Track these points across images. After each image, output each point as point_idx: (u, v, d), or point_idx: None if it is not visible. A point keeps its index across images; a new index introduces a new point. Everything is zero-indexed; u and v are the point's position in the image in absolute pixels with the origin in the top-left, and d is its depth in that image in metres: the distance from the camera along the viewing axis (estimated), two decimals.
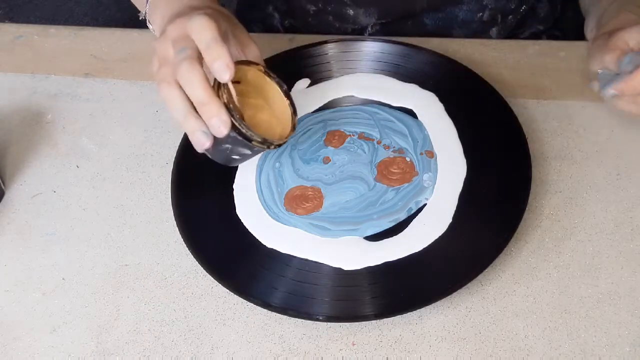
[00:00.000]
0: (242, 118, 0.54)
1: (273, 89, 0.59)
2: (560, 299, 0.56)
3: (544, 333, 0.55)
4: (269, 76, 0.59)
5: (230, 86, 0.53)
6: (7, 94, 0.80)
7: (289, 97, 0.59)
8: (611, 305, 0.56)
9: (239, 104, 0.54)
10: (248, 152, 0.56)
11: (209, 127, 0.53)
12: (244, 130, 0.53)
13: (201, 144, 0.54)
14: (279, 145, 0.56)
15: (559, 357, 0.53)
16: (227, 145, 0.55)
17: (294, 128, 0.58)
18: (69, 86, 0.80)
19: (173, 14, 0.59)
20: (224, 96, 0.53)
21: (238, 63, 0.55)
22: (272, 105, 0.60)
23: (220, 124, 0.52)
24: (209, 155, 0.58)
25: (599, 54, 0.62)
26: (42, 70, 0.82)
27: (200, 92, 0.51)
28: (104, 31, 0.86)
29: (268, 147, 0.55)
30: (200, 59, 0.52)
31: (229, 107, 0.52)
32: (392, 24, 0.83)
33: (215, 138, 0.54)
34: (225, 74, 0.51)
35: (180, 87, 0.52)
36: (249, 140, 0.54)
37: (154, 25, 0.65)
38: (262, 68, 0.58)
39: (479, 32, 0.84)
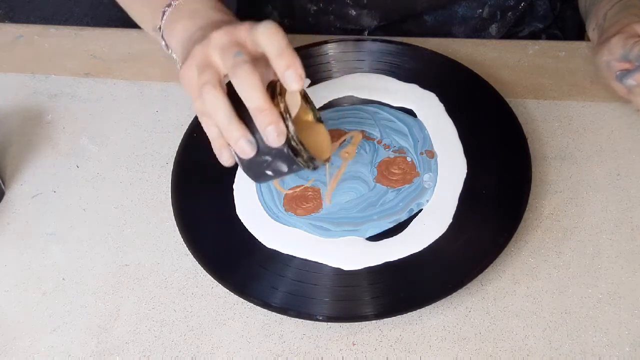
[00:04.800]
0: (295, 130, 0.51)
1: (307, 114, 0.57)
2: (560, 299, 0.56)
3: (544, 333, 0.55)
4: (307, 101, 0.57)
5: (288, 98, 0.51)
6: (7, 94, 0.80)
7: (322, 123, 0.57)
8: (611, 305, 0.56)
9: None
10: (285, 169, 0.52)
11: (263, 134, 0.49)
12: (294, 144, 0.50)
13: (245, 152, 0.51)
14: (315, 168, 0.53)
15: (559, 357, 0.53)
16: (267, 158, 0.52)
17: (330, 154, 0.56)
18: (69, 86, 0.80)
19: (202, 25, 0.57)
20: (281, 105, 0.50)
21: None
22: (306, 130, 0.57)
23: (278, 133, 0.49)
24: (241, 167, 0.54)
25: (607, 44, 0.63)
26: (42, 70, 0.82)
27: (261, 97, 0.49)
28: (104, 31, 0.86)
29: (308, 167, 0.52)
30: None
31: (284, 118, 0.50)
32: (392, 24, 0.83)
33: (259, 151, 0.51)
34: (296, 84, 0.48)
35: (225, 92, 0.50)
36: (296, 155, 0.51)
37: (171, 39, 0.62)
38: (302, 91, 0.55)
39: (479, 29, 0.84)
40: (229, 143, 0.51)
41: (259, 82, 0.49)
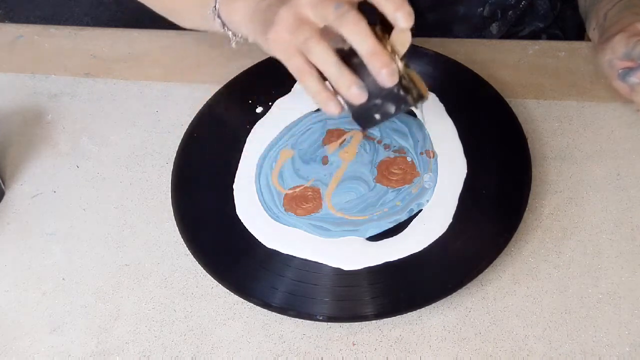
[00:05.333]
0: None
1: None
2: (560, 299, 0.56)
3: (544, 333, 0.55)
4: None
5: (394, 39, 0.52)
6: (7, 94, 0.80)
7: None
8: (611, 305, 0.56)
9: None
10: (393, 109, 0.53)
11: (377, 76, 0.51)
12: (404, 82, 0.52)
13: (358, 98, 0.52)
14: (422, 103, 0.54)
15: (559, 357, 0.53)
16: (377, 102, 0.53)
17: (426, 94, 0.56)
18: (69, 86, 0.80)
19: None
20: (388, 47, 0.52)
21: None
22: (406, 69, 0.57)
23: (392, 73, 0.50)
24: (349, 113, 0.55)
25: (609, 43, 0.63)
26: (42, 70, 0.82)
27: (372, 41, 0.50)
28: (104, 31, 0.86)
29: (416, 104, 0.53)
30: None
31: (394, 59, 0.51)
32: None
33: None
34: (406, 22, 0.50)
35: (329, 44, 0.52)
36: (407, 92, 0.52)
37: (232, 16, 0.62)
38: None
39: (480, 27, 0.84)
40: (340, 92, 0.53)
41: (367, 28, 0.50)
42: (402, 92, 0.52)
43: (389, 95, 0.53)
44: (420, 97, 0.54)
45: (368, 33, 0.50)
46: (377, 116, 0.54)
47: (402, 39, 0.53)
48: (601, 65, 0.65)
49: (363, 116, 0.55)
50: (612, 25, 0.66)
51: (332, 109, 0.54)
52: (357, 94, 0.52)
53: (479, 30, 0.84)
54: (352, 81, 0.52)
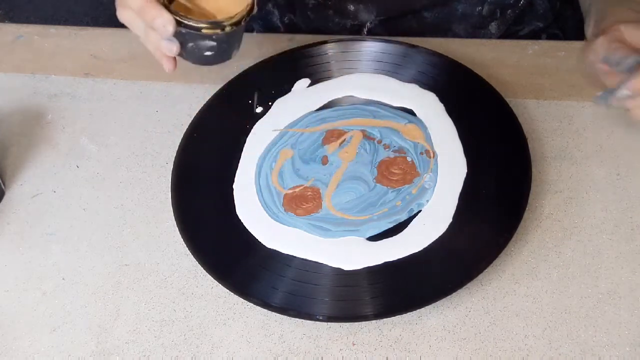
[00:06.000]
0: (186, 15, 0.56)
1: None
2: (560, 299, 0.56)
3: (544, 333, 0.55)
4: None
5: None
6: (7, 94, 0.80)
7: None
8: (611, 305, 0.56)
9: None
10: (211, 42, 0.57)
11: (156, 30, 0.55)
12: (186, 22, 0.55)
13: (170, 50, 0.57)
14: (236, 24, 0.56)
15: (559, 357, 0.53)
16: (191, 44, 0.57)
17: (252, 7, 0.58)
18: (69, 86, 0.80)
19: None
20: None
21: None
22: None
23: (165, 23, 0.54)
24: (190, 62, 0.60)
25: (592, 44, 0.61)
26: (42, 70, 0.82)
27: (138, 0, 0.54)
28: (104, 31, 0.86)
29: (222, 29, 0.56)
30: None
31: (168, 8, 0.55)
32: (391, 19, 0.83)
33: (180, 43, 0.57)
34: None
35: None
36: (198, 29, 0.55)
37: None
38: None
39: (478, 27, 0.84)
40: (160, 50, 0.58)
41: None
42: (194, 31, 0.55)
43: (190, 36, 0.56)
44: (218, 25, 0.56)
45: None
46: (208, 53, 0.59)
47: None
48: (585, 64, 0.64)
49: (195, 59, 0.60)
50: (607, 17, 0.65)
51: (165, 66, 0.60)
52: (167, 47, 0.57)
53: (477, 29, 0.84)
54: (158, 37, 0.57)
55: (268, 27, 0.91)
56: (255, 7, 0.58)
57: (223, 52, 0.59)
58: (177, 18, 0.55)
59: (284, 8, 0.89)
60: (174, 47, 0.57)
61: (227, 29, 0.56)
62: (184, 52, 0.58)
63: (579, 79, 0.71)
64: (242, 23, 0.57)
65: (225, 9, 0.59)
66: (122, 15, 0.58)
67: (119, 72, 0.81)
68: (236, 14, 0.56)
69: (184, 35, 0.56)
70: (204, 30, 0.55)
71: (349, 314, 0.57)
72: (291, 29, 0.88)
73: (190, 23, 0.55)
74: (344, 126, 0.69)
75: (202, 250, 0.61)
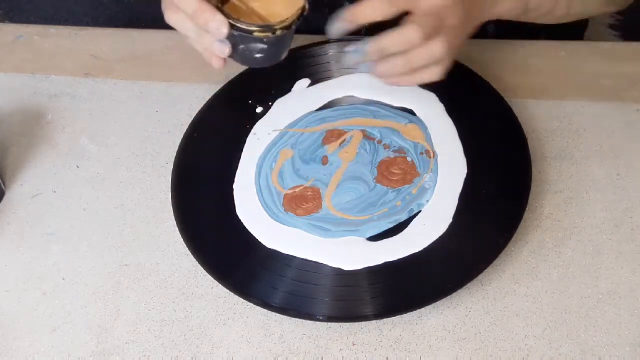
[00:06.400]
0: (238, 18, 0.56)
1: None
2: (560, 299, 0.56)
3: (544, 333, 0.55)
4: None
5: None
6: (7, 94, 0.80)
7: None
8: (611, 305, 0.56)
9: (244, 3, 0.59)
10: (261, 45, 0.58)
11: (210, 32, 0.56)
12: (239, 25, 0.55)
13: (222, 52, 0.57)
14: (287, 28, 0.56)
15: (559, 357, 0.53)
16: (242, 47, 0.58)
17: (303, 10, 0.58)
18: (69, 86, 0.80)
19: None
20: (213, 1, 0.56)
21: None
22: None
23: (219, 25, 0.55)
24: (239, 63, 0.61)
25: None
26: (42, 70, 0.82)
27: (191, 3, 0.55)
28: (104, 31, 0.86)
29: (273, 33, 0.56)
30: None
31: (222, 10, 0.56)
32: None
33: (232, 44, 0.57)
34: None
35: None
36: (249, 32, 0.56)
37: None
38: None
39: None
40: (213, 52, 0.58)
41: None
42: (246, 34, 0.56)
43: (242, 39, 0.57)
44: (269, 29, 0.56)
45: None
46: (258, 55, 0.59)
47: None
48: None
49: (245, 61, 0.61)
50: None
51: (215, 65, 0.60)
52: (219, 49, 0.57)
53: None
54: (212, 38, 0.57)
55: None
56: (307, 9, 0.58)
57: (273, 55, 0.60)
58: (230, 21, 0.55)
59: None
60: (226, 49, 0.57)
61: (278, 32, 0.56)
62: (235, 54, 0.59)
63: (579, 79, 0.72)
64: (293, 26, 0.57)
65: (277, 12, 0.59)
66: (171, 17, 0.59)
67: (119, 72, 0.81)
68: (287, 18, 0.57)
69: (236, 38, 0.56)
70: (255, 34, 0.56)
71: (349, 314, 0.57)
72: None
73: (243, 26, 0.55)
74: (344, 126, 0.69)
75: (202, 250, 0.61)
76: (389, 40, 0.56)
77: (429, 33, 0.56)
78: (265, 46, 0.58)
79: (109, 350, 0.58)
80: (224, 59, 0.60)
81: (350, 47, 0.59)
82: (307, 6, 0.58)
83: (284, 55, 0.61)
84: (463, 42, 0.61)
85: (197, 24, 0.56)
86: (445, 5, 0.56)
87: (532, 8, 0.67)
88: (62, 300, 0.62)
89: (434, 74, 0.59)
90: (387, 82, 0.61)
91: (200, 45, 0.59)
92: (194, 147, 0.69)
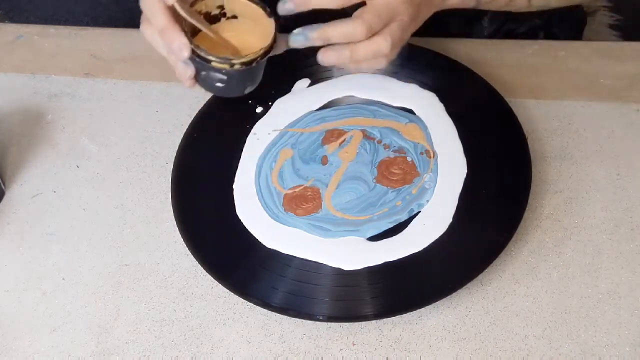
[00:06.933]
0: (208, 48, 0.56)
1: (257, 11, 0.59)
2: (560, 299, 0.56)
3: (544, 333, 0.55)
4: (253, 3, 0.60)
5: (185, 15, 0.56)
6: (7, 94, 0.80)
7: (271, 15, 0.59)
8: (611, 305, 0.56)
9: (216, 30, 0.59)
10: (220, 75, 0.58)
11: (173, 52, 0.55)
12: (198, 51, 0.55)
13: (185, 74, 0.57)
14: (246, 64, 0.56)
15: (559, 357, 0.53)
16: (204, 73, 0.58)
17: (268, 49, 0.57)
18: (69, 86, 0.80)
19: None
20: (185, 25, 0.56)
21: None
22: (260, 28, 0.60)
23: (181, 47, 0.55)
24: (205, 90, 0.60)
25: None
26: (42, 70, 0.82)
27: (160, 19, 0.55)
28: (104, 31, 0.86)
29: (232, 66, 0.56)
30: None
31: (191, 35, 0.56)
32: None
33: (196, 69, 0.57)
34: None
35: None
36: (208, 61, 0.56)
37: None
38: None
39: (472, 19, 0.83)
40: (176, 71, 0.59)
41: (158, 7, 0.55)
42: (205, 62, 0.56)
43: (203, 66, 0.57)
44: (226, 60, 0.56)
45: (159, 11, 0.55)
46: (219, 84, 0.59)
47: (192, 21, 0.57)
48: None
49: (206, 87, 0.60)
50: None
51: (184, 83, 0.59)
52: (183, 70, 0.57)
53: (471, 22, 0.83)
54: (174, 62, 0.58)
55: None
56: (276, 48, 0.58)
57: (234, 87, 0.60)
58: (192, 46, 0.55)
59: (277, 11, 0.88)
60: (188, 72, 0.57)
61: (237, 66, 0.56)
62: (199, 79, 0.59)
63: (579, 79, 0.72)
64: (254, 64, 0.57)
65: (250, 46, 0.59)
66: (145, 32, 0.59)
67: (119, 72, 0.81)
68: (247, 55, 0.57)
69: (198, 63, 0.57)
70: (213, 64, 0.56)
71: (349, 314, 0.57)
72: (286, 29, 0.88)
73: (202, 53, 0.56)
74: (344, 126, 0.69)
75: (202, 250, 0.61)
76: (333, 30, 0.57)
77: (375, 29, 0.57)
78: (224, 77, 0.58)
79: (109, 350, 0.58)
80: (193, 79, 0.60)
81: (297, 30, 0.59)
82: (273, 45, 0.58)
83: (248, 90, 0.60)
84: (409, 36, 0.61)
85: (164, 42, 0.57)
86: (400, 1, 0.57)
87: (487, 1, 0.67)
88: (62, 300, 0.62)
89: (377, 65, 0.60)
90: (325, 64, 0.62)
91: (171, 62, 0.60)
92: (194, 147, 0.70)
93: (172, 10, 0.55)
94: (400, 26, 0.58)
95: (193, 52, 0.55)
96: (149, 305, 0.60)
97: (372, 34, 0.57)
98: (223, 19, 0.60)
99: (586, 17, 0.90)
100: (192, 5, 0.58)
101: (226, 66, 0.56)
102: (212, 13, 0.60)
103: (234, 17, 0.60)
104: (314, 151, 0.68)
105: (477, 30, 0.84)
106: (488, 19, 0.83)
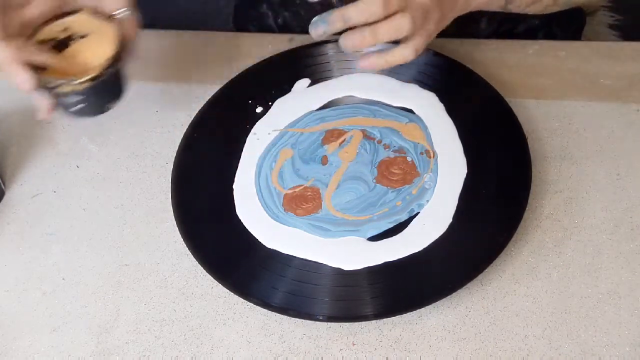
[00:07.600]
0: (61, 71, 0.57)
1: (101, 25, 0.60)
2: (560, 299, 0.56)
3: (544, 333, 0.55)
4: (96, 17, 0.60)
5: (26, 57, 0.56)
6: (7, 94, 0.80)
7: (113, 22, 0.60)
8: (611, 305, 0.56)
9: (71, 54, 0.59)
10: (76, 97, 0.58)
11: (17, 87, 0.56)
12: (43, 82, 0.56)
13: (40, 105, 0.58)
14: (94, 78, 0.56)
15: (559, 357, 0.53)
16: (60, 99, 0.58)
17: (116, 52, 0.58)
18: None
19: None
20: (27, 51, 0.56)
21: (62, 16, 0.60)
22: (109, 39, 0.60)
23: (23, 81, 0.55)
24: (70, 116, 0.61)
25: None
26: None
27: (1, 54, 0.55)
28: None
29: (80, 85, 0.56)
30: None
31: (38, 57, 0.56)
32: None
33: (53, 98, 0.58)
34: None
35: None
36: (55, 87, 0.56)
37: None
38: (86, 12, 0.60)
39: (469, 20, 0.82)
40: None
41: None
42: (51, 92, 0.56)
43: (54, 94, 0.58)
44: (69, 83, 0.56)
45: (1, 47, 0.55)
46: (74, 109, 0.60)
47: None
48: None
49: (72, 114, 0.61)
50: None
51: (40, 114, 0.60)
52: (41, 103, 0.58)
53: (469, 23, 0.83)
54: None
55: (263, 29, 0.90)
56: (130, 53, 0.59)
57: (94, 105, 0.60)
58: (36, 78, 0.56)
59: (277, 10, 0.88)
60: (43, 103, 0.58)
61: (86, 84, 0.56)
62: (63, 109, 0.59)
63: (579, 79, 0.72)
64: (103, 77, 0.57)
65: (90, 63, 0.59)
66: None
67: None
68: (76, 77, 0.57)
69: (49, 92, 0.57)
70: (60, 89, 0.56)
71: (349, 314, 0.57)
72: (285, 29, 0.88)
73: (46, 83, 0.56)
74: (344, 126, 0.69)
75: (202, 250, 0.61)
76: (352, 9, 0.57)
77: (393, 4, 0.57)
78: (80, 97, 0.58)
79: (109, 350, 0.58)
80: (49, 110, 0.60)
81: (316, 18, 0.59)
82: (120, 52, 0.58)
83: (113, 104, 0.61)
84: (434, 23, 0.62)
85: (7, 77, 0.56)
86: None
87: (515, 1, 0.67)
88: (62, 300, 0.62)
89: (403, 55, 0.60)
90: (361, 66, 0.63)
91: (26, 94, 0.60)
92: (194, 147, 0.70)
93: (17, 43, 0.56)
94: (422, 7, 0.58)
95: (39, 83, 0.55)
96: (149, 305, 0.60)
97: (391, 11, 0.57)
98: (72, 42, 0.60)
99: (586, 17, 0.90)
100: (32, 35, 0.58)
101: (75, 87, 0.56)
102: (60, 37, 0.60)
103: (83, 36, 0.60)
104: (314, 151, 0.68)
105: (476, 30, 0.84)
106: (487, 19, 0.83)
